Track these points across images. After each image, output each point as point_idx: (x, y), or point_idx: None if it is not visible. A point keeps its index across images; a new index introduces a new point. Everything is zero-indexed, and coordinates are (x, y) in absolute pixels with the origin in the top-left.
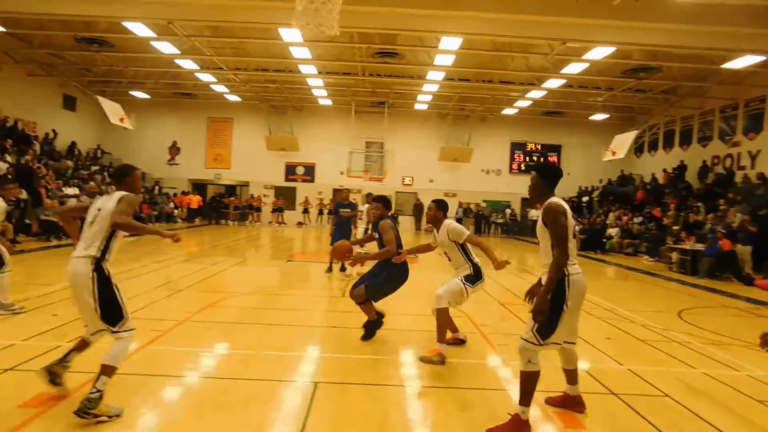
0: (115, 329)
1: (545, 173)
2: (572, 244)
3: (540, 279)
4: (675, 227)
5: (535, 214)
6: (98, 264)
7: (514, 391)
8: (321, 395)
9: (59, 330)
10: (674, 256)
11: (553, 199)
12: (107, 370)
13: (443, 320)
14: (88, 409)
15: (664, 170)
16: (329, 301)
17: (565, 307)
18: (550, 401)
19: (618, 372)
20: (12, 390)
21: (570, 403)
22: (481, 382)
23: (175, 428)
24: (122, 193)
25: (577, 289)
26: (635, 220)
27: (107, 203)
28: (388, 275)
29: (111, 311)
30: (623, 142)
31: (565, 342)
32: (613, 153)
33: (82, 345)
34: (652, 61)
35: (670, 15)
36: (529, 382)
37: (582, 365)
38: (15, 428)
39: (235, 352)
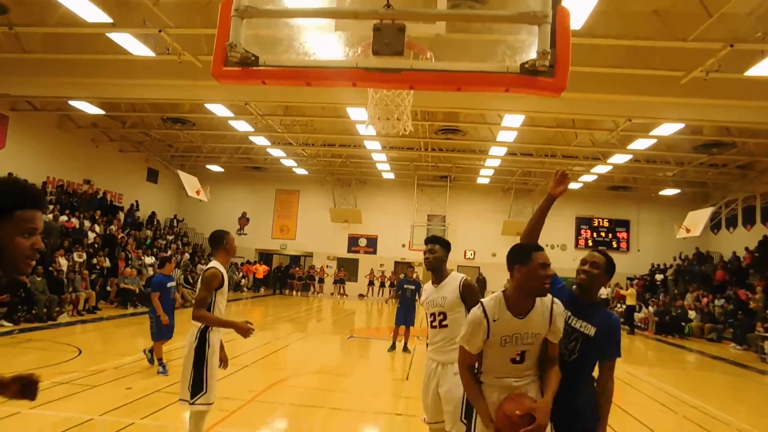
0: (191, 401)
1: (447, 246)
2: None
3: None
4: None
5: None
6: (202, 334)
7: None
8: None
9: (133, 405)
10: (767, 345)
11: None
12: None
13: None
14: None
15: (747, 249)
16: (393, 384)
17: None
18: None
19: None
20: None
21: None
22: None
23: None
24: (208, 267)
25: None
26: (716, 302)
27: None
28: None
29: (198, 382)
30: (698, 219)
31: None
32: (687, 230)
33: None
34: (725, 136)
35: (742, 92)
36: None
37: None
38: None
39: None
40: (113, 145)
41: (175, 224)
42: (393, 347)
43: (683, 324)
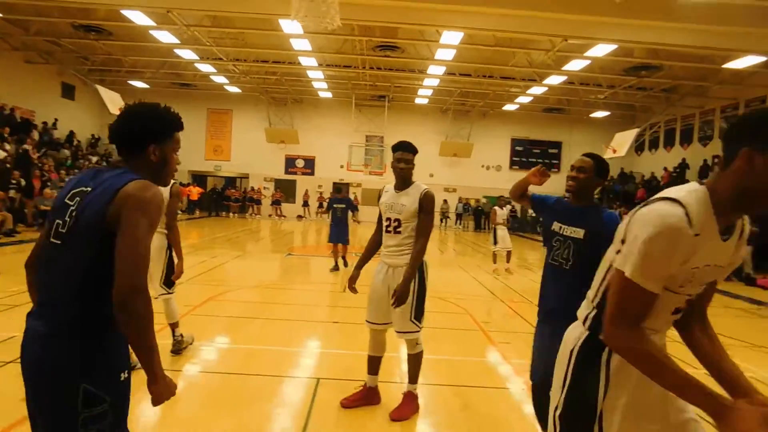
0: (171, 291)
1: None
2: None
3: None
4: None
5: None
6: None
7: (515, 389)
8: (323, 391)
9: None
10: None
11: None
12: (175, 324)
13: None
14: (180, 348)
15: (665, 169)
16: (331, 296)
17: (425, 287)
18: (346, 403)
19: None
20: (13, 383)
21: (370, 397)
22: (482, 380)
23: (177, 424)
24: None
25: (428, 271)
26: None
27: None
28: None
29: (168, 277)
30: (624, 140)
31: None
32: (614, 151)
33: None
34: (654, 59)
35: (672, 14)
36: (419, 362)
37: None
38: (17, 422)
39: (238, 347)
40: (17, 55)
41: (97, 144)
42: (336, 267)
43: None
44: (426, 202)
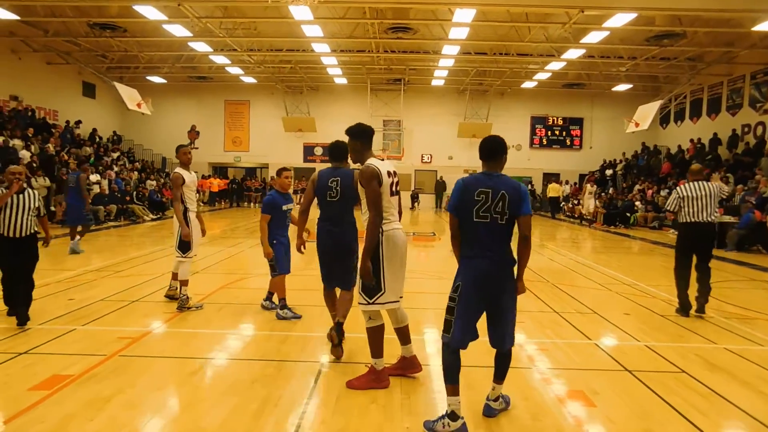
0: (185, 256)
1: (357, 135)
2: (389, 203)
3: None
4: None
5: (567, 189)
6: (185, 214)
7: (525, 369)
8: (326, 375)
9: (74, 314)
10: None
11: (370, 161)
12: (184, 282)
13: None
14: (184, 306)
15: (691, 140)
16: None
17: (382, 264)
18: (386, 371)
19: (635, 348)
20: (24, 373)
21: (407, 366)
22: (486, 361)
23: (180, 409)
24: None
25: (392, 245)
26: (661, 193)
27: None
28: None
29: (185, 243)
30: (647, 112)
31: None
32: (637, 124)
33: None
34: (677, 26)
35: None
36: (375, 336)
37: (598, 341)
38: (22, 411)
39: (244, 334)
40: (38, 56)
41: (117, 141)
42: None
43: (628, 215)
44: (360, 177)
